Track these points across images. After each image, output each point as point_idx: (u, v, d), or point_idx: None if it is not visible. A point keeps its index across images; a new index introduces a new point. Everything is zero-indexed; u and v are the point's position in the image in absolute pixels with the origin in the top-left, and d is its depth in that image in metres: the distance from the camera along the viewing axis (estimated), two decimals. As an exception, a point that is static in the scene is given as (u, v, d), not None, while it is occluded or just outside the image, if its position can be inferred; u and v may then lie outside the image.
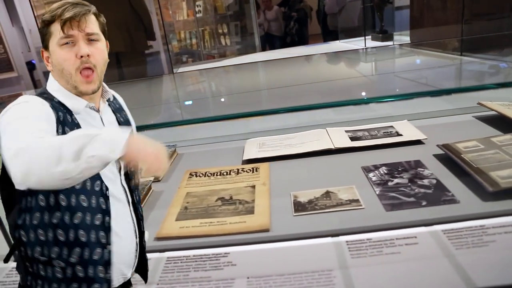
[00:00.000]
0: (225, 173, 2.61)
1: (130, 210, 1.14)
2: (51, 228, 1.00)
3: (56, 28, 1.00)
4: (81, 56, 1.01)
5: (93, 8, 1.06)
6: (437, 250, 1.69)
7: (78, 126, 1.03)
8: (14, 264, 2.06)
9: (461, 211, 1.89)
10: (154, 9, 6.39)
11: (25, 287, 1.08)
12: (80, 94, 1.05)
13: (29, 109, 0.97)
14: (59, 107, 1.02)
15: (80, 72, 1.02)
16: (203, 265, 1.83)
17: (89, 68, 1.03)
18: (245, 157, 2.82)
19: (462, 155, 2.26)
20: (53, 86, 1.07)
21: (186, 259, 1.89)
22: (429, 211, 1.93)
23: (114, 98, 1.21)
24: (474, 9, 4.93)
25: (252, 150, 2.93)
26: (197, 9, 7.87)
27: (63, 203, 0.99)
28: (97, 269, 1.02)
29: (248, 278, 1.71)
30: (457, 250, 1.67)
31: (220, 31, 8.06)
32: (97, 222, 1.02)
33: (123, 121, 1.18)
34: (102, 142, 0.79)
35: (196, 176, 2.63)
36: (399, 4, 6.92)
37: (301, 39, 7.88)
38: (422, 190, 2.09)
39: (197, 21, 7.87)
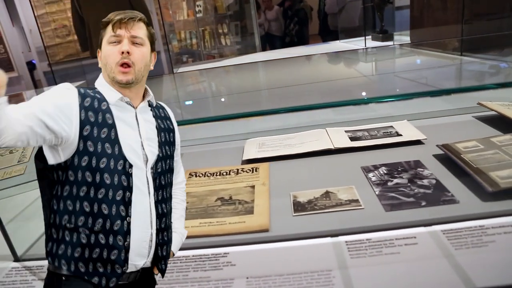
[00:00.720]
0: (224, 173, 2.61)
1: (150, 202, 1.20)
2: (78, 200, 1.12)
3: (108, 29, 1.17)
4: (122, 52, 1.14)
5: (142, 16, 1.20)
6: (436, 250, 1.69)
7: (107, 112, 1.14)
8: (14, 264, 2.07)
9: (460, 211, 1.89)
10: (154, 9, 6.38)
11: (48, 254, 1.18)
12: (118, 85, 1.16)
13: (50, 93, 1.09)
14: (91, 95, 1.15)
15: (120, 66, 1.15)
16: (203, 265, 1.84)
17: (127, 64, 1.15)
18: (245, 157, 2.83)
19: (461, 155, 2.26)
20: (99, 80, 1.21)
21: (186, 259, 1.89)
22: (429, 211, 1.93)
23: (162, 107, 1.33)
24: (474, 9, 4.92)
25: (252, 150, 2.93)
26: (197, 9, 7.85)
27: (89, 179, 1.11)
28: (116, 237, 1.13)
29: (247, 278, 1.71)
30: (457, 250, 1.67)
31: (220, 31, 8.05)
32: (118, 198, 1.13)
33: (163, 128, 1.27)
34: None
35: (196, 176, 2.63)
36: (399, 4, 6.91)
37: (301, 39, 7.88)
38: (422, 190, 2.09)
39: (197, 21, 7.86)
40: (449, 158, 2.31)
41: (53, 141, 1.06)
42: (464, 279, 1.52)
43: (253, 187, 2.39)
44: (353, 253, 1.76)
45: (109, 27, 1.17)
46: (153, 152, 1.21)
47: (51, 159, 1.12)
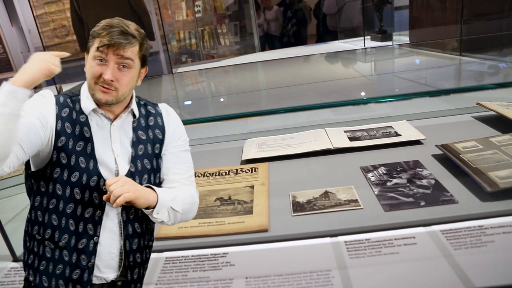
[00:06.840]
0: (224, 173, 2.61)
1: (118, 221, 1.13)
2: (47, 212, 1.09)
3: (97, 42, 1.04)
4: (104, 79, 1.04)
5: (137, 40, 1.06)
6: (435, 251, 1.69)
7: (85, 125, 1.09)
8: (13, 264, 2.07)
9: (459, 212, 1.90)
10: (153, 9, 6.38)
11: (23, 261, 1.18)
12: (96, 100, 1.09)
13: (30, 105, 1.03)
14: (70, 106, 1.09)
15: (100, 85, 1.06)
16: (202, 265, 1.84)
17: (109, 88, 1.06)
18: (244, 157, 2.82)
19: (460, 156, 2.27)
20: (85, 84, 1.13)
21: (185, 259, 1.89)
22: (428, 211, 1.94)
23: (156, 114, 1.21)
24: (474, 9, 4.92)
25: (251, 150, 2.93)
26: (196, 9, 7.85)
27: (59, 192, 1.07)
28: (80, 257, 1.10)
29: (246, 278, 1.71)
30: (456, 251, 1.67)
31: (219, 31, 8.05)
32: (87, 215, 1.09)
33: (145, 140, 1.16)
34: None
35: (195, 176, 2.62)
36: (398, 4, 6.92)
37: (300, 40, 7.87)
38: (421, 190, 2.09)
39: (196, 21, 7.86)
40: (448, 158, 2.32)
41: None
42: (463, 279, 1.52)
43: (252, 187, 2.38)
44: (352, 253, 1.76)
45: (98, 41, 1.04)
46: (124, 167, 1.12)
47: (33, 165, 1.09)
